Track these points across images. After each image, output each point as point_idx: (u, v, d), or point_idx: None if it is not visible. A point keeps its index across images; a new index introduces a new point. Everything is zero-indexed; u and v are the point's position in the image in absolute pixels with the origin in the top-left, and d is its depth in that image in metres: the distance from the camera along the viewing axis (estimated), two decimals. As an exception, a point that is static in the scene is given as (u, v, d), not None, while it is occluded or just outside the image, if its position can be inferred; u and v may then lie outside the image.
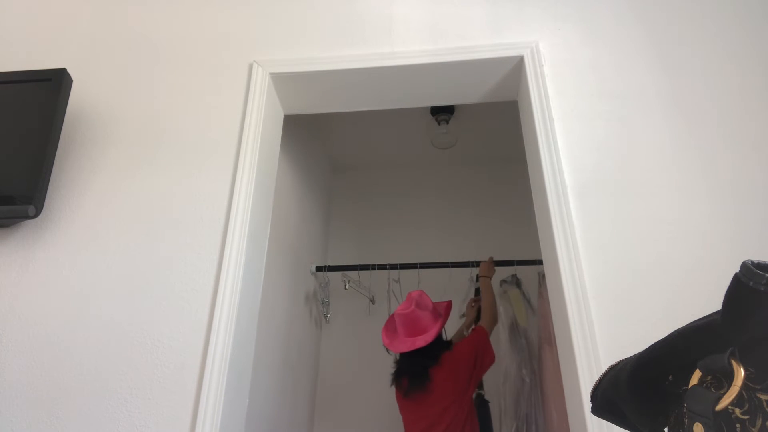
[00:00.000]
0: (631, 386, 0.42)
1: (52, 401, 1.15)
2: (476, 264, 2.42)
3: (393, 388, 1.98)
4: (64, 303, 1.25)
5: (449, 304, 2.07)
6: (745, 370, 0.33)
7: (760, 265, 0.32)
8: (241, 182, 1.35)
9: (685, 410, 0.36)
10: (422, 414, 1.84)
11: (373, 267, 2.53)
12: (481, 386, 2.17)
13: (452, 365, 1.86)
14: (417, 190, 3.13)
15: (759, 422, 0.31)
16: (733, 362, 0.33)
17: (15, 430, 1.13)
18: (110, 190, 1.38)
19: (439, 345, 1.93)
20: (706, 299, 1.10)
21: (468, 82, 1.56)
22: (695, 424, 0.34)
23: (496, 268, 2.34)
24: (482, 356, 1.92)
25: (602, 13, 1.51)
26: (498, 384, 2.19)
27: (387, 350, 2.03)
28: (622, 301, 1.13)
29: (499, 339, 2.23)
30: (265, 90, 1.48)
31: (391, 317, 2.05)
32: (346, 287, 2.60)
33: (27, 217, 1.26)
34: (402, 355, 1.96)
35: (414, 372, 1.88)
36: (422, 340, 1.88)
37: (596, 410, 0.48)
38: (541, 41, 1.47)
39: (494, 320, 2.08)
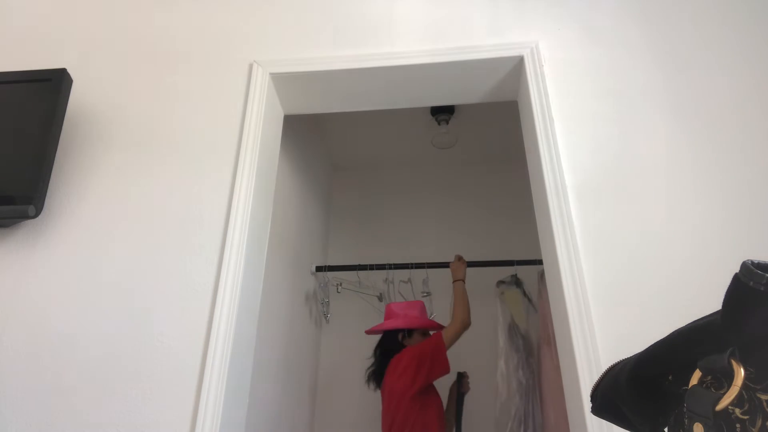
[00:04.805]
0: (631, 386, 0.42)
1: (52, 401, 1.14)
2: (476, 264, 2.42)
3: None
4: (64, 303, 1.25)
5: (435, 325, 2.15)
6: (745, 370, 0.33)
7: (760, 265, 0.31)
8: (241, 182, 1.35)
9: (685, 410, 0.36)
10: (384, 410, 1.94)
11: (373, 267, 2.53)
12: (460, 383, 2.14)
13: (395, 364, 1.95)
14: (417, 189, 3.13)
15: (759, 422, 0.31)
16: (733, 362, 0.33)
17: (15, 430, 1.13)
18: (110, 190, 1.38)
19: (394, 343, 2.06)
20: (706, 299, 1.11)
21: (468, 82, 1.56)
22: (695, 424, 0.34)
23: (497, 268, 2.34)
24: (430, 363, 1.86)
25: (602, 14, 1.51)
26: (494, 385, 2.19)
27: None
28: (622, 301, 1.13)
29: (498, 340, 2.23)
30: (265, 90, 1.48)
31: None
32: (339, 290, 2.61)
33: (27, 217, 1.26)
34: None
35: (374, 370, 2.08)
36: (373, 327, 2.15)
37: (596, 410, 0.48)
38: (541, 41, 1.47)
39: (463, 326, 1.95)
